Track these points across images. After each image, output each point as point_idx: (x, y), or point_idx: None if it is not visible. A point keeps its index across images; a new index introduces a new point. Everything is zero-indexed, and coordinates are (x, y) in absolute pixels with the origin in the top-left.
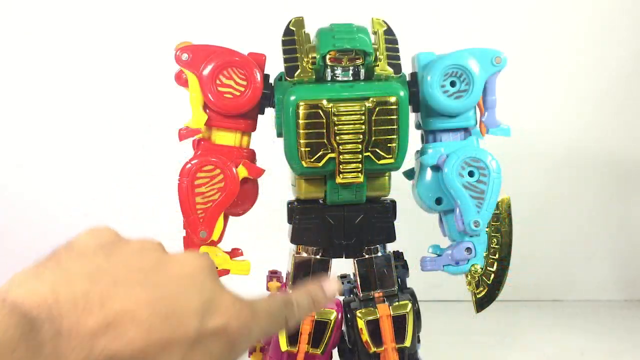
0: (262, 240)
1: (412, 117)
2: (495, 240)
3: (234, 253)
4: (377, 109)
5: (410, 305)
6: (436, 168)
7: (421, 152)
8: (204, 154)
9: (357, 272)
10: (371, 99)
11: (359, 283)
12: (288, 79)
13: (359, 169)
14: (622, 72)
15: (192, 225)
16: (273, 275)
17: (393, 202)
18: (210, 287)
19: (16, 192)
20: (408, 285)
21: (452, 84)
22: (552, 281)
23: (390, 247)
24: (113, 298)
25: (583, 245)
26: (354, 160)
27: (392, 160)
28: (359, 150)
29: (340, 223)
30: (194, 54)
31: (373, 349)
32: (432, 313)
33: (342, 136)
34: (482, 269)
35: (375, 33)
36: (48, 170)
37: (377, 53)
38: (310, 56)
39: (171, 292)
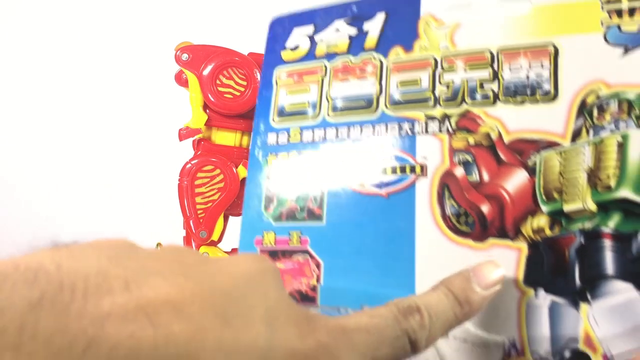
0: None
1: None
2: None
3: (234, 253)
4: None
5: None
6: None
7: None
8: (204, 154)
9: None
10: None
11: None
12: None
13: None
14: None
15: (192, 226)
16: None
17: None
18: (276, 295)
19: (16, 192)
20: None
21: None
22: None
23: None
24: (144, 284)
25: None
26: None
27: None
28: None
29: None
30: (194, 54)
31: None
32: None
33: None
34: None
35: None
36: (48, 171)
37: None
38: None
39: (227, 289)
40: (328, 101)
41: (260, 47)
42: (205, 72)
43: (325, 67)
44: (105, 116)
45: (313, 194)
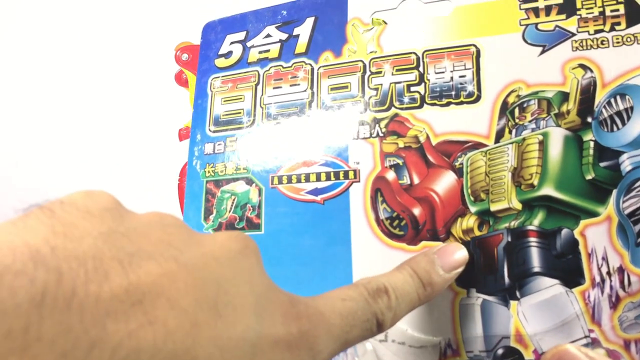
0: None
1: None
2: None
3: None
4: None
5: None
6: None
7: None
8: None
9: None
10: None
11: None
12: None
13: None
14: None
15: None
16: None
17: None
18: (260, 280)
19: (15, 192)
20: None
21: None
22: None
23: None
24: (139, 269)
25: None
26: None
27: None
28: None
29: None
30: (194, 54)
31: None
32: None
33: None
34: None
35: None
36: (48, 171)
37: None
38: None
39: (217, 278)
40: (262, 108)
41: None
42: None
43: (258, 73)
44: (105, 116)
45: (251, 203)
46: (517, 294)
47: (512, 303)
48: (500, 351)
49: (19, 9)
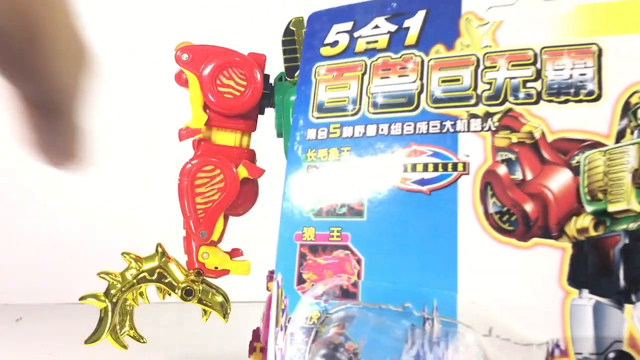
0: (262, 240)
1: None
2: None
3: (234, 253)
4: None
5: None
6: None
7: None
8: (204, 154)
9: None
10: None
11: None
12: (288, 79)
13: None
14: None
15: (192, 226)
16: (273, 275)
17: None
18: None
19: (18, 193)
20: None
21: None
22: None
23: None
24: None
25: None
26: None
27: None
28: None
29: None
30: (194, 54)
31: None
32: None
33: None
34: None
35: None
36: (48, 171)
37: None
38: None
39: None
40: (368, 97)
41: (260, 48)
42: (205, 72)
43: (365, 63)
44: (105, 116)
45: (354, 189)
46: (633, 297)
47: (627, 307)
48: (611, 355)
49: None
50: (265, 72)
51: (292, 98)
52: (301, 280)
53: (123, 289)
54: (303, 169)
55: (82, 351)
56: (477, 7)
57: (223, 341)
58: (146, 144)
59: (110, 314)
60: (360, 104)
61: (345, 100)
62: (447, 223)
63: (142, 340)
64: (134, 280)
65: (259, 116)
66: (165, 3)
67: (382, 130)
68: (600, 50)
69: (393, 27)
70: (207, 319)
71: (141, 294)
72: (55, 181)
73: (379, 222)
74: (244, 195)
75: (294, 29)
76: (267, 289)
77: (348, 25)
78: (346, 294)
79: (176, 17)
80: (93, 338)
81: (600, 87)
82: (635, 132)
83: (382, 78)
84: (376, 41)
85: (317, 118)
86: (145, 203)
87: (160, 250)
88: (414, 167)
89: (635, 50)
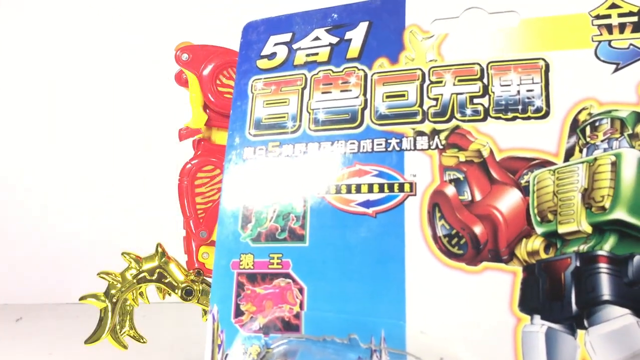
0: None
1: None
2: None
3: None
4: None
5: None
6: None
7: None
8: (204, 154)
9: None
10: None
11: None
12: None
13: None
14: None
15: (192, 226)
16: None
17: None
18: None
19: (18, 193)
20: None
21: None
22: None
23: None
24: None
25: None
26: None
27: None
28: None
29: None
30: (194, 54)
31: None
32: None
33: None
34: None
35: None
36: (48, 171)
37: None
38: None
39: None
40: (309, 113)
41: None
42: (205, 72)
43: (305, 77)
44: (105, 116)
45: (294, 212)
46: (585, 322)
47: (579, 332)
48: None
49: (20, 10)
50: None
51: None
52: (239, 313)
53: (123, 289)
54: (239, 191)
55: (82, 351)
56: (422, 19)
57: None
58: (146, 144)
59: (110, 314)
60: (300, 120)
61: (284, 117)
62: (395, 247)
63: (142, 340)
64: (134, 280)
65: None
66: (165, 3)
67: (323, 148)
68: (547, 65)
69: (334, 39)
70: (207, 319)
71: (141, 294)
72: (56, 181)
73: (322, 247)
74: None
75: None
76: None
77: (286, 37)
78: (288, 326)
79: (176, 17)
80: (93, 338)
81: (548, 104)
82: (585, 150)
83: (323, 93)
84: (316, 54)
85: (255, 135)
86: (145, 203)
87: (160, 250)
88: (358, 188)
89: (582, 66)
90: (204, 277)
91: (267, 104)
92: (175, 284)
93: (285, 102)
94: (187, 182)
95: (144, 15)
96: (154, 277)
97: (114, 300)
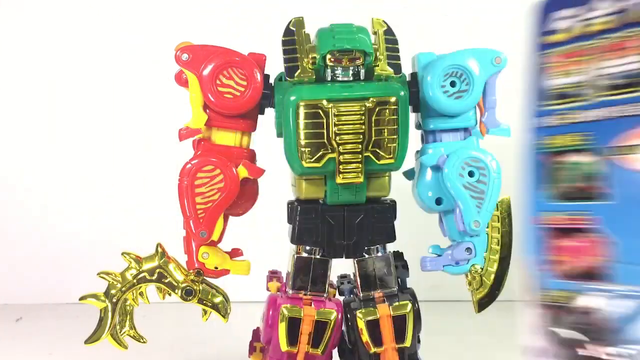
0: (262, 240)
1: (412, 117)
2: (495, 240)
3: (234, 253)
4: (377, 109)
5: (410, 305)
6: (436, 168)
7: (421, 153)
8: (204, 154)
9: (357, 272)
10: (371, 99)
11: (359, 283)
12: (288, 79)
13: (359, 169)
14: None
15: (192, 226)
16: (273, 275)
17: (393, 202)
18: None
19: (18, 193)
20: (408, 286)
21: (452, 84)
22: None
23: (390, 247)
24: None
25: None
26: (354, 160)
27: (392, 161)
28: (359, 150)
29: (341, 223)
30: (194, 54)
31: (373, 349)
32: (432, 313)
33: (342, 136)
34: (482, 269)
35: (375, 33)
36: (48, 171)
37: (377, 53)
38: (310, 56)
39: None
40: (602, 80)
41: (260, 47)
42: (205, 72)
43: (597, 45)
44: (106, 116)
45: (601, 172)
46: None
47: None
48: None
49: (20, 10)
50: (265, 72)
51: (292, 98)
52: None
53: (123, 289)
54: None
55: (82, 351)
56: None
57: (223, 341)
58: (146, 144)
59: (110, 314)
60: (592, 87)
61: (578, 86)
62: None
63: (142, 340)
64: (134, 280)
65: (259, 116)
66: (165, 3)
67: (619, 112)
68: None
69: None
70: (207, 319)
71: (141, 294)
72: (56, 181)
73: (629, 205)
74: (243, 195)
75: (294, 29)
76: (267, 289)
77: (576, 11)
78: (592, 277)
79: (176, 17)
80: (93, 338)
81: None
82: None
83: (614, 59)
84: (611, 21)
85: (549, 105)
86: (145, 203)
87: (160, 250)
88: None
89: None
90: (204, 277)
91: (560, 74)
92: (175, 284)
93: (578, 72)
94: (187, 182)
95: (144, 15)
96: (154, 277)
97: (114, 300)
